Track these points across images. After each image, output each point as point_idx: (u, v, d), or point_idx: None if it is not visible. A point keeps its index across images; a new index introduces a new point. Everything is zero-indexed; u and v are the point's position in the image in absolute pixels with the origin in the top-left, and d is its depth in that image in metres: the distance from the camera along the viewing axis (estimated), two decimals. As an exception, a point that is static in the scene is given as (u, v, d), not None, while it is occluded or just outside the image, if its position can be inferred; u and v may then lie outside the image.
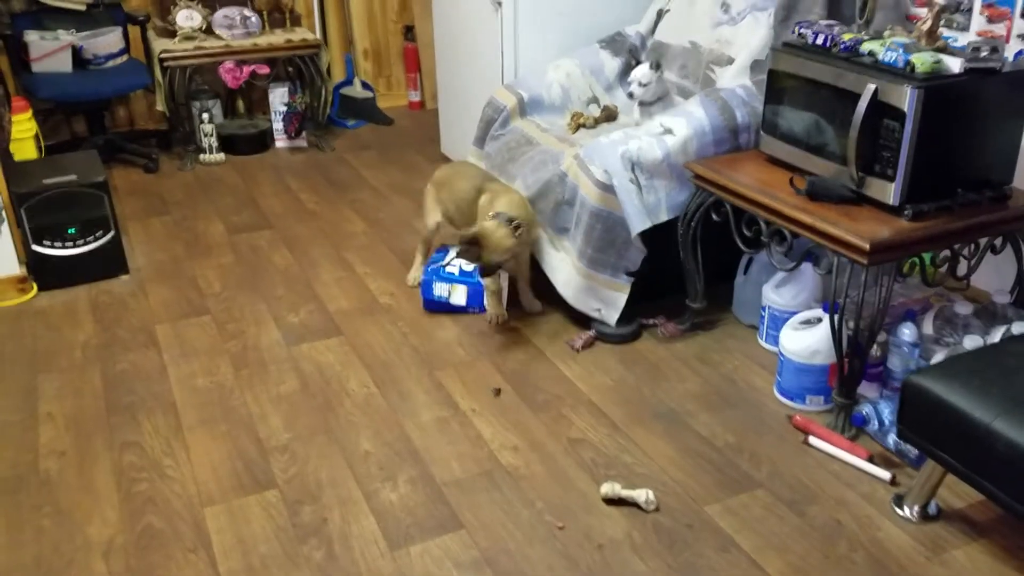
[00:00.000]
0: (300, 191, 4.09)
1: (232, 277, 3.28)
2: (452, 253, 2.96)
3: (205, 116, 4.37)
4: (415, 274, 3.18)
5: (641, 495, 2.09)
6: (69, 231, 3.15)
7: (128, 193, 4.00)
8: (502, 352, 2.78)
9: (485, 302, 2.95)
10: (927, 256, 2.32)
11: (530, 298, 3.02)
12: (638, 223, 2.68)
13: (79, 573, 1.94)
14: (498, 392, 2.57)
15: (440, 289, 2.98)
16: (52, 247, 3.15)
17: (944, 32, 2.31)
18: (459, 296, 2.98)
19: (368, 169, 4.37)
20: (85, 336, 2.89)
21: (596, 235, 2.71)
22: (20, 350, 2.82)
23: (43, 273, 3.17)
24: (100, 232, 3.20)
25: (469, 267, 2.90)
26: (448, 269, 3.00)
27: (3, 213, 3.04)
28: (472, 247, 2.68)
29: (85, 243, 3.19)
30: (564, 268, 2.87)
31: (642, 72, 2.99)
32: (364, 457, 2.30)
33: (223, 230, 3.67)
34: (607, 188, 2.66)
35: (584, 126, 3.23)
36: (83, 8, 4.27)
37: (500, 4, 3.45)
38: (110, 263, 3.25)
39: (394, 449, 2.33)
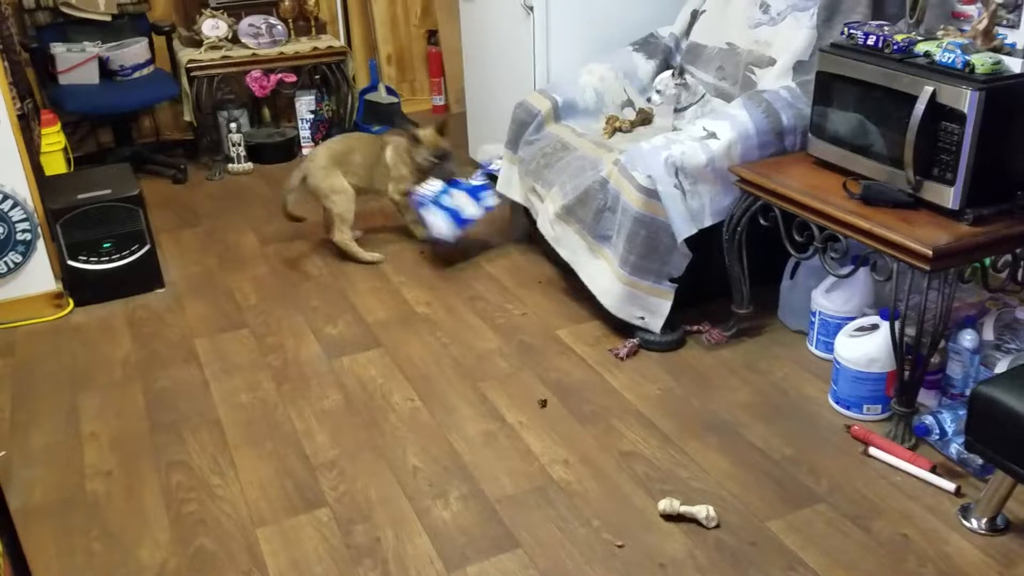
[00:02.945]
0: (329, 199, 4.05)
1: (267, 289, 3.25)
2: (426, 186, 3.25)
3: (232, 126, 4.35)
4: (374, 254, 3.44)
5: (701, 511, 2.04)
6: (104, 246, 3.13)
7: (158, 205, 3.98)
8: (544, 362, 2.74)
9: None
10: (987, 260, 2.26)
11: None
12: (683, 229, 2.63)
13: (133, 598, 1.92)
14: (544, 403, 2.54)
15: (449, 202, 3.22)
16: (87, 262, 3.13)
17: (997, 30, 2.26)
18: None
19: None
20: (124, 352, 2.87)
21: (639, 241, 2.67)
22: (59, 368, 2.80)
23: (79, 289, 3.16)
24: (135, 246, 3.18)
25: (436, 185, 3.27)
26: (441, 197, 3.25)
27: (39, 229, 3.02)
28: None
29: (120, 258, 3.17)
30: (604, 276, 2.82)
31: (658, 79, 3.01)
32: (413, 473, 2.27)
33: (255, 241, 3.65)
34: (651, 194, 2.62)
35: (620, 130, 3.18)
36: (108, 19, 4.26)
37: (532, 9, 3.41)
38: (145, 277, 3.23)
39: (443, 465, 2.30)
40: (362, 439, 2.41)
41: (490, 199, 3.26)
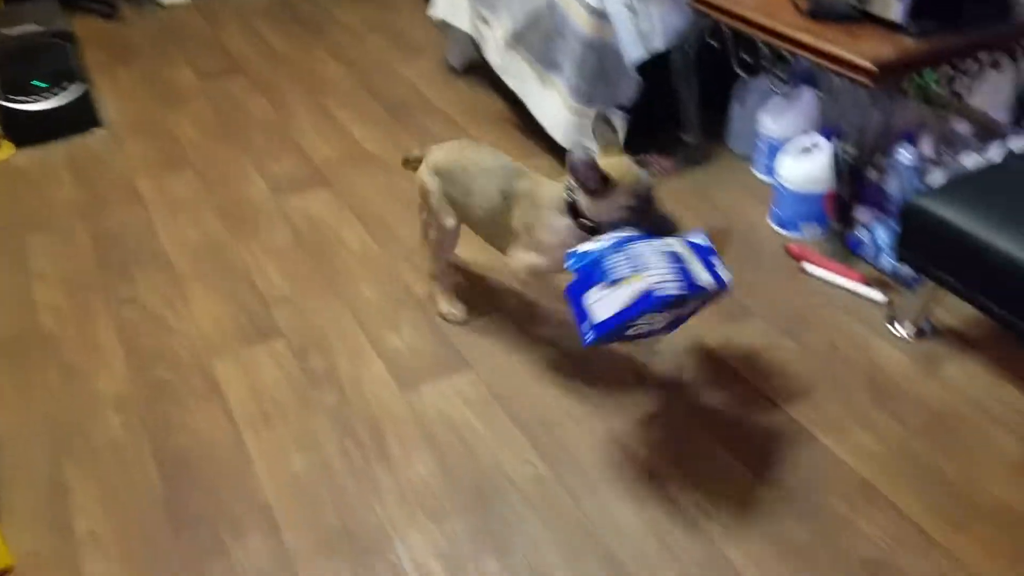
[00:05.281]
0: (268, 33, 3.90)
1: (209, 127, 3.17)
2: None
3: (161, -45, 4.09)
4: (448, 307, 2.25)
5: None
6: (35, 84, 3.01)
7: (90, 43, 3.77)
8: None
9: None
10: (928, 75, 2.26)
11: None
12: (634, 51, 2.58)
13: (93, 427, 1.97)
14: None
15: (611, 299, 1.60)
16: (21, 102, 3.01)
17: None
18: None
19: (337, 7, 4.15)
20: (67, 194, 2.81)
21: (589, 67, 2.62)
22: (3, 211, 2.74)
23: (16, 130, 3.05)
24: (67, 83, 3.06)
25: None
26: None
27: (-38, 68, 2.89)
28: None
29: (54, 96, 3.05)
30: (554, 106, 2.78)
31: None
32: (366, 305, 2.31)
33: (193, 77, 3.51)
34: (600, 15, 2.54)
35: (569, -49, 3.04)
36: None
37: None
38: (82, 117, 3.13)
39: (395, 297, 2.33)
40: (314, 275, 2.43)
41: (724, 270, 1.73)
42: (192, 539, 1.70)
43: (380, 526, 1.72)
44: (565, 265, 1.69)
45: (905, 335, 2.11)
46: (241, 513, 1.75)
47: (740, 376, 2.03)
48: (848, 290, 2.25)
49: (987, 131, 2.41)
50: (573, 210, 1.79)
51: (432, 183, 2.09)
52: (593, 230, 1.77)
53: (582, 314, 1.64)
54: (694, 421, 1.92)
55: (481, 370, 2.08)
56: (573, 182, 1.76)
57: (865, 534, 1.66)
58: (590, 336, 1.62)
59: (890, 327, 2.13)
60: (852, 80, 2.07)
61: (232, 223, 2.64)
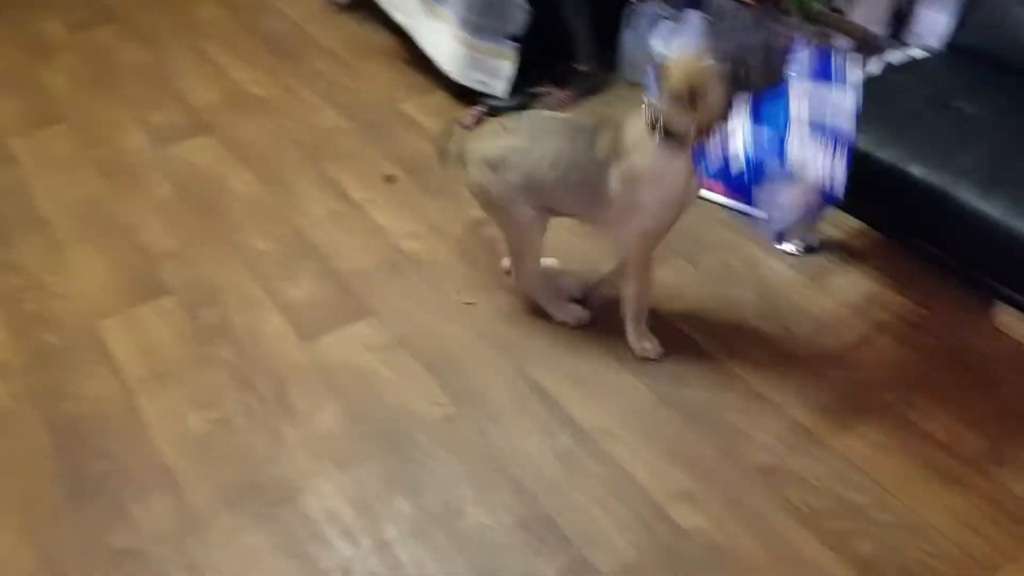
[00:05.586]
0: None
1: (82, 79, 2.98)
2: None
3: None
4: (563, 315, 2.03)
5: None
6: None
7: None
8: (390, 138, 2.67)
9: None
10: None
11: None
12: (520, -22, 2.54)
13: (-23, 401, 1.88)
14: (390, 179, 2.50)
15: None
16: None
17: None
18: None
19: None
20: (-73, 159, 2.63)
21: (476, -2, 2.56)
22: None
23: None
24: (-83, 39, 2.83)
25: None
26: None
27: None
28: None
29: (-99, 53, 2.82)
30: (444, 40, 2.72)
31: None
32: (259, 257, 2.24)
33: (62, 28, 3.29)
34: (482, -55, 2.48)
35: None
36: None
37: None
38: (-62, 74, 2.91)
39: (290, 247, 2.27)
40: (201, 227, 2.34)
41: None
42: (91, 506, 1.65)
43: (287, 479, 1.70)
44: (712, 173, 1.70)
45: (794, 251, 2.17)
46: (140, 476, 1.70)
47: (661, 316, 2.05)
48: (741, 212, 2.29)
49: (866, 46, 2.46)
50: (666, 133, 1.66)
51: (488, 178, 1.83)
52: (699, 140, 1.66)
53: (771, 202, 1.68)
54: (596, 347, 1.95)
55: (385, 316, 2.06)
56: (660, 106, 1.66)
57: (760, 443, 1.73)
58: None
59: (778, 245, 2.19)
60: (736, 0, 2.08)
61: (112, 179, 2.51)
